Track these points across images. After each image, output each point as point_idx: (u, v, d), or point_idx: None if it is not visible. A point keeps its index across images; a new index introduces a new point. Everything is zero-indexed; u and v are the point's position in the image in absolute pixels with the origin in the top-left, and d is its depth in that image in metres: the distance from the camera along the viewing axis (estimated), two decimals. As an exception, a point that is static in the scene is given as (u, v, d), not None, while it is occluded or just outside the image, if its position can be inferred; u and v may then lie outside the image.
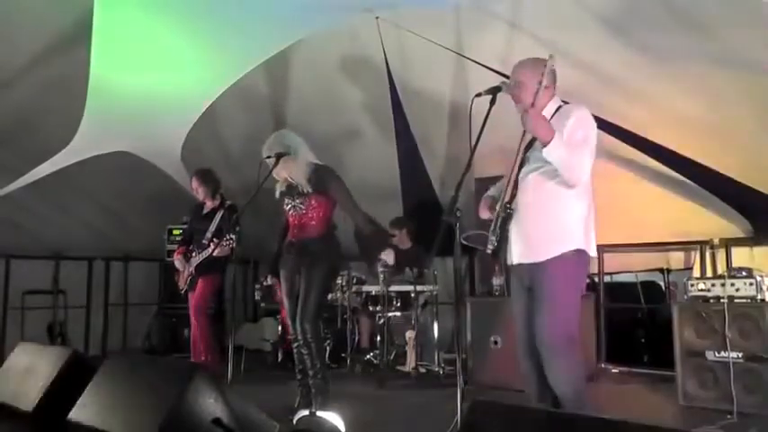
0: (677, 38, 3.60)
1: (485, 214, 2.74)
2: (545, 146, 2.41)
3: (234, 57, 4.21)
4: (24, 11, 3.74)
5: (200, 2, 3.60)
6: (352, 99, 5.18)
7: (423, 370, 4.89)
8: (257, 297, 6.11)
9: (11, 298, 5.70)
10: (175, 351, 5.96)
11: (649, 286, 5.48)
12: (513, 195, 2.59)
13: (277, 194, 3.77)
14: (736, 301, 3.60)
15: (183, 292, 4.80)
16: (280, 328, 5.65)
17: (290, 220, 3.72)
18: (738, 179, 4.32)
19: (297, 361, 3.72)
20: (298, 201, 3.67)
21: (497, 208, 2.61)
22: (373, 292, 5.02)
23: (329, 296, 5.13)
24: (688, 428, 3.12)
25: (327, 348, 5.15)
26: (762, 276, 3.60)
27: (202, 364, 4.11)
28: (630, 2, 3.56)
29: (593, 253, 2.59)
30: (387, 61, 4.69)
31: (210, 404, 2.19)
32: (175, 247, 5.10)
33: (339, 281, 5.31)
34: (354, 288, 5.27)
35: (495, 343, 4.45)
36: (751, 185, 4.31)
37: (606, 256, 5.18)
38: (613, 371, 4.99)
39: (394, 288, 4.90)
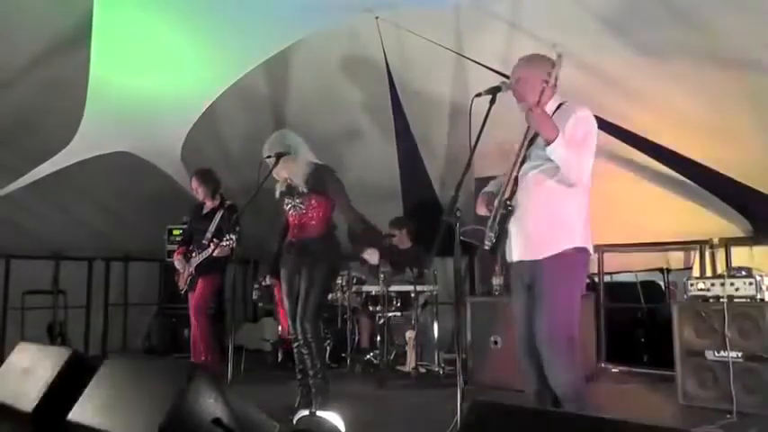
0: (677, 38, 3.60)
1: (482, 210, 2.73)
2: (549, 144, 2.41)
3: (234, 57, 4.21)
4: (24, 11, 3.74)
5: (200, 2, 3.60)
6: (353, 99, 5.17)
7: (423, 370, 4.89)
8: (255, 297, 6.11)
9: (11, 298, 5.70)
10: (175, 351, 5.97)
11: (649, 286, 5.50)
12: (513, 192, 2.59)
13: (277, 194, 3.77)
14: (735, 300, 3.60)
15: (182, 292, 4.80)
16: (279, 327, 5.65)
17: (290, 219, 3.72)
18: (738, 179, 4.31)
19: (297, 361, 3.73)
20: (298, 201, 3.67)
21: (496, 204, 2.61)
22: (373, 292, 5.02)
23: (329, 296, 5.13)
24: (688, 428, 3.12)
25: (327, 348, 5.15)
26: (761, 276, 3.60)
27: (202, 365, 4.11)
28: (630, 2, 3.56)
29: (591, 251, 2.59)
30: (387, 61, 4.69)
31: (210, 404, 2.18)
32: (175, 247, 5.11)
33: (339, 281, 5.32)
34: (354, 288, 5.27)
35: (495, 343, 4.45)
36: (751, 185, 4.31)
37: (606, 255, 5.19)
38: (613, 370, 4.99)
39: (394, 288, 4.90)
